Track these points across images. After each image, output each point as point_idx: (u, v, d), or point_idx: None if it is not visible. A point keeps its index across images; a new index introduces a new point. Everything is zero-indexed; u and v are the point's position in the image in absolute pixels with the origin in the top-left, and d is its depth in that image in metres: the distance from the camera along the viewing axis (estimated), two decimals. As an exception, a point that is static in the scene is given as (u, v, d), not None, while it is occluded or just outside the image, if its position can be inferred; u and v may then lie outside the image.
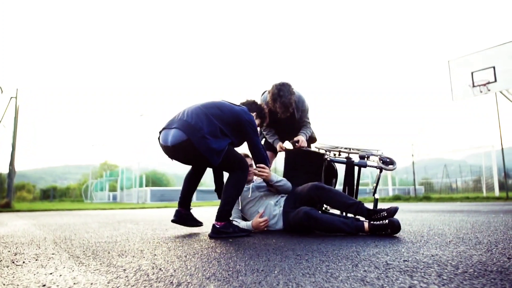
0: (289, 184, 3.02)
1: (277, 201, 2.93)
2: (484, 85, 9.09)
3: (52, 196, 37.52)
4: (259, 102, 3.58)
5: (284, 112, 3.30)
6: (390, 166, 2.94)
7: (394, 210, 2.42)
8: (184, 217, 3.06)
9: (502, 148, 10.69)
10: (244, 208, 2.98)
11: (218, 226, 2.58)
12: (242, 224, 2.85)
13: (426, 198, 13.15)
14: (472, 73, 9.34)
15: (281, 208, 2.85)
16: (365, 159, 3.05)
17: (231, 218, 2.86)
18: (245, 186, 2.99)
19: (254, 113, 3.02)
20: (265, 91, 3.60)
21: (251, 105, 3.05)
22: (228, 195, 2.63)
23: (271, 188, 3.01)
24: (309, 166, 3.34)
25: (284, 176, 3.36)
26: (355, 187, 3.17)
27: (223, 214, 2.60)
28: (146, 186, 24.91)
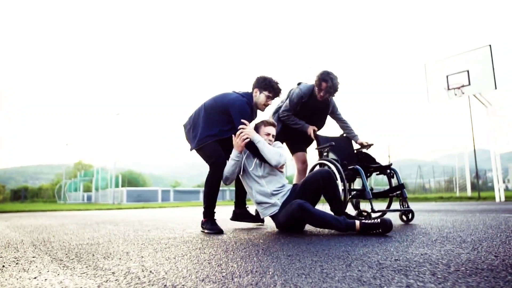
0: (273, 153, 2.81)
1: (275, 190, 2.86)
2: (459, 88, 9.37)
3: (23, 196, 36.28)
4: (295, 92, 3.61)
5: (331, 92, 3.38)
6: None
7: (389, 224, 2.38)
8: (241, 215, 3.44)
9: (475, 150, 11.05)
10: (244, 172, 2.97)
11: (202, 221, 3.03)
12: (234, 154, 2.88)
13: (402, 198, 13.41)
14: (447, 77, 9.60)
15: (278, 200, 2.83)
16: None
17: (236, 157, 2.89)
18: (251, 158, 2.95)
19: (256, 89, 3.08)
20: (300, 82, 3.70)
21: (253, 83, 3.12)
22: (203, 194, 3.00)
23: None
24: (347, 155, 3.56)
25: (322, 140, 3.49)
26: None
27: (204, 212, 2.99)
28: (122, 186, 24.41)
